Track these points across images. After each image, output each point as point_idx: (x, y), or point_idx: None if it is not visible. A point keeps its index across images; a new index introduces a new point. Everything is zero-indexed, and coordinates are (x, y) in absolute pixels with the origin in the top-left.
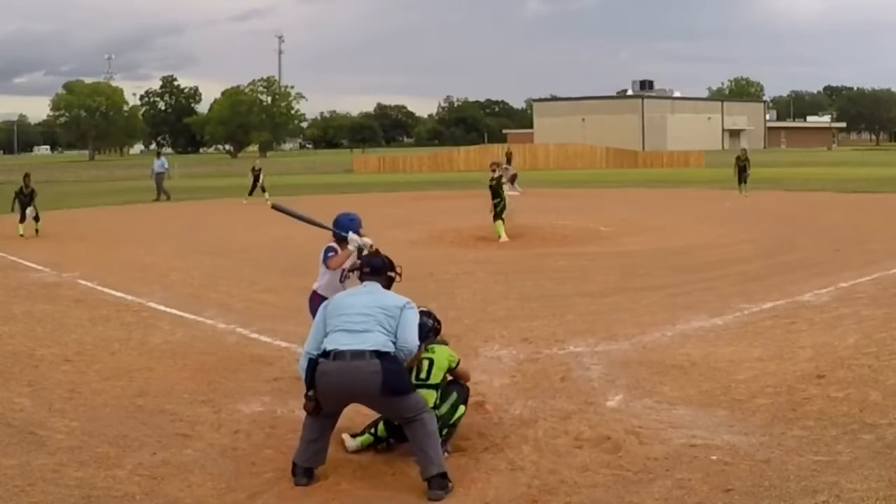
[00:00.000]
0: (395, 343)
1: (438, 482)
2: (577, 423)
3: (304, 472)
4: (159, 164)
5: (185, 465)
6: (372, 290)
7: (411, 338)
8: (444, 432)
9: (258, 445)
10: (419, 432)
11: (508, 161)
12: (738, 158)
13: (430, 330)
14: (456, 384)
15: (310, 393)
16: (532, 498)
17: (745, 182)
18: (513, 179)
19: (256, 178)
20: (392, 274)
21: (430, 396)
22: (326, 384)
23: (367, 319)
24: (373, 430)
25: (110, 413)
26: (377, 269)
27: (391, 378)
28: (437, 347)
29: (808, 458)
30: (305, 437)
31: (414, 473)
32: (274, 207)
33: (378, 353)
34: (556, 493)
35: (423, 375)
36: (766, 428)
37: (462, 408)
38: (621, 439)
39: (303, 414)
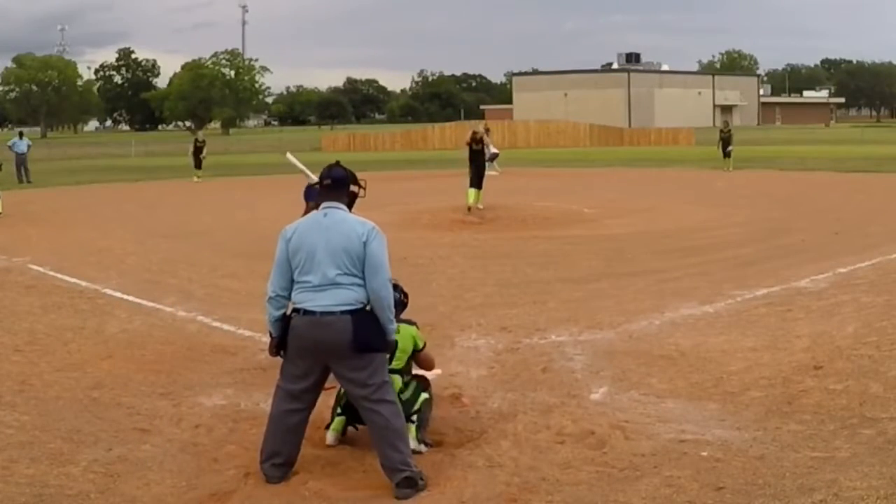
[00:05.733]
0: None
1: (407, 481)
2: (560, 417)
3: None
4: (22, 144)
5: (143, 462)
6: (333, 222)
7: (377, 283)
8: (416, 419)
9: (220, 441)
10: (383, 427)
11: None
12: (720, 131)
13: (395, 304)
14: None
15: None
16: (511, 496)
17: (730, 157)
18: (493, 158)
19: (199, 152)
20: (355, 188)
21: (395, 381)
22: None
23: (330, 270)
24: (339, 411)
25: (63, 406)
26: (339, 180)
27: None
28: (401, 327)
29: (805, 455)
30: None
31: None
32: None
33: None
34: (537, 491)
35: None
36: (760, 422)
37: (424, 394)
38: (606, 434)
39: (267, 407)
